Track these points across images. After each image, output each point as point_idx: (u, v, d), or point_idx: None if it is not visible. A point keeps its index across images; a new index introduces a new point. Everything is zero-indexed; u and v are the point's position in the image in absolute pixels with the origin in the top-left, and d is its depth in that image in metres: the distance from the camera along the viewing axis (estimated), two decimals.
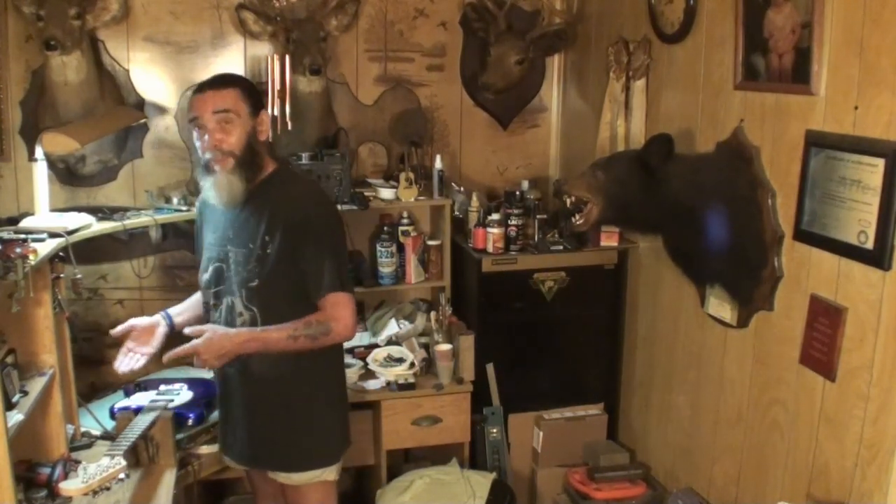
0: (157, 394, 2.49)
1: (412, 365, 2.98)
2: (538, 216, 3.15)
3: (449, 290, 3.21)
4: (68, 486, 1.94)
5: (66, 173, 3.01)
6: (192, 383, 2.64)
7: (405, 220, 3.23)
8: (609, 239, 3.06)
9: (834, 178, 1.95)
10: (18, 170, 2.91)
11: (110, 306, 3.11)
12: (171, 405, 2.39)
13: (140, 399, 2.47)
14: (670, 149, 2.31)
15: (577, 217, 2.42)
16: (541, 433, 3.10)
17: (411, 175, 3.12)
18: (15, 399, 1.96)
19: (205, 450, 2.53)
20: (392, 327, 3.21)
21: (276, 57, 2.93)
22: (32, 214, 2.55)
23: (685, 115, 2.58)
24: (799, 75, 2.04)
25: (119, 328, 2.24)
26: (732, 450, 2.44)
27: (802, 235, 2.08)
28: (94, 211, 2.71)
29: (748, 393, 2.35)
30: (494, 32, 3.25)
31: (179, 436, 2.41)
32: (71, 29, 2.67)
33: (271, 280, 2.10)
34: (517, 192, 3.21)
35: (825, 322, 2.00)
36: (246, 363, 2.15)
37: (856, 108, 1.87)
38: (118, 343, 2.24)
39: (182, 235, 3.00)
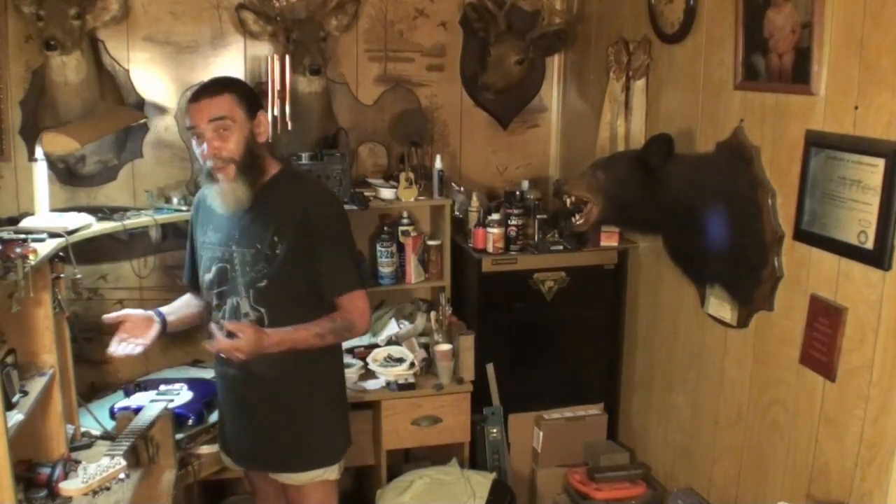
0: (157, 394, 2.49)
1: (412, 365, 2.98)
2: (538, 216, 3.15)
3: (449, 290, 3.21)
4: (68, 486, 1.94)
5: (66, 173, 3.01)
6: (192, 383, 2.64)
7: (405, 220, 3.23)
8: (609, 239, 3.06)
9: (834, 178, 1.95)
10: (18, 170, 2.91)
11: (110, 306, 3.09)
12: (171, 405, 2.38)
13: (140, 399, 2.47)
14: (670, 149, 2.31)
15: (577, 217, 2.43)
16: (541, 433, 3.10)
17: (411, 175, 3.12)
18: (15, 399, 1.96)
19: (205, 450, 2.53)
20: (392, 327, 3.22)
21: (276, 57, 2.93)
22: (32, 214, 2.55)
23: (685, 115, 2.58)
24: (799, 75, 2.04)
25: (112, 315, 2.19)
26: (732, 450, 2.44)
27: (802, 235, 2.08)
28: (94, 211, 2.72)
29: (748, 393, 2.35)
30: (494, 32, 3.25)
31: (179, 436, 2.41)
32: (71, 29, 2.67)
33: (280, 280, 2.10)
34: (517, 192, 3.21)
35: (825, 322, 2.00)
36: (247, 364, 2.15)
37: (856, 108, 1.87)
38: (112, 332, 2.22)
39: (182, 235, 2.98)
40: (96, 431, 2.47)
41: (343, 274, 2.15)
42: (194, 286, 2.34)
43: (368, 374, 3.00)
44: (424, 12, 3.31)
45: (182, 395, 2.53)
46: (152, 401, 2.39)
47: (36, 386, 2.08)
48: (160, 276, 3.12)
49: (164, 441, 2.27)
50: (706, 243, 2.29)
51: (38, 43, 2.72)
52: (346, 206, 2.97)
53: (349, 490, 3.18)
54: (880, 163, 1.79)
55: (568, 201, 2.44)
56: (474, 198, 3.23)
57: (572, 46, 3.38)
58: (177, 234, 3.03)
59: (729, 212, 2.25)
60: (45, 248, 2.17)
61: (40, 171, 2.58)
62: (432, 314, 3.10)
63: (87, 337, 3.00)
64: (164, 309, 2.32)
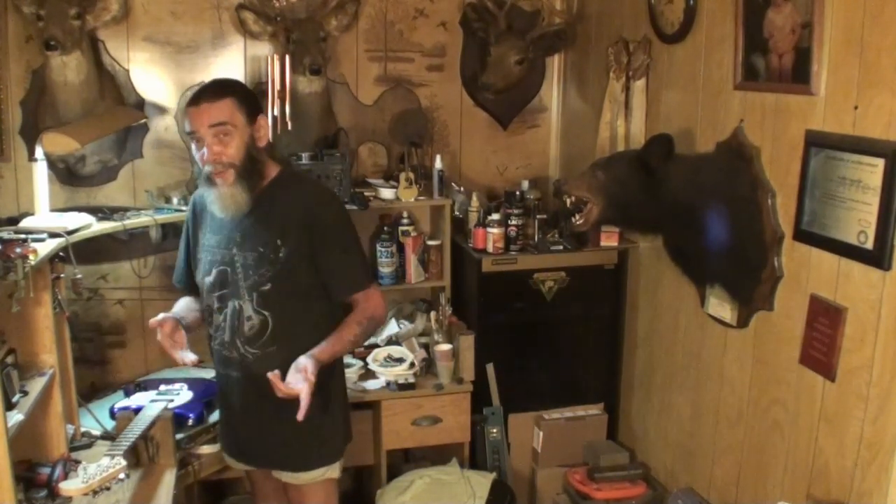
0: (157, 394, 2.49)
1: (412, 365, 2.98)
2: (538, 216, 3.15)
3: (449, 290, 3.21)
4: (68, 486, 1.94)
5: (66, 173, 3.01)
6: (192, 383, 2.64)
7: (405, 220, 3.23)
8: (609, 239, 3.06)
9: (834, 178, 1.95)
10: (18, 170, 2.91)
11: (110, 306, 3.11)
12: (171, 405, 2.38)
13: (140, 399, 2.47)
14: (670, 149, 2.31)
15: (577, 217, 2.43)
16: (541, 433, 3.10)
17: (411, 175, 3.12)
18: (15, 399, 1.96)
19: (205, 450, 2.53)
20: (392, 327, 3.22)
21: (276, 57, 2.93)
22: (32, 214, 2.55)
23: (685, 115, 2.58)
24: (799, 75, 2.04)
25: (157, 318, 2.14)
26: (732, 450, 2.44)
27: (802, 235, 2.08)
28: (94, 211, 2.72)
29: (748, 393, 2.35)
30: (494, 32, 3.25)
31: (179, 436, 2.41)
32: (71, 29, 2.67)
33: (285, 283, 2.10)
34: (517, 192, 3.21)
35: (825, 322, 2.00)
36: (248, 365, 2.15)
37: (856, 108, 1.87)
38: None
39: None
40: (96, 431, 2.48)
41: (354, 272, 2.16)
42: (186, 288, 2.33)
43: (368, 374, 3.00)
44: (424, 12, 3.31)
45: (182, 395, 2.53)
46: (152, 401, 2.38)
47: (36, 386, 2.08)
48: (160, 276, 3.12)
49: (164, 441, 2.27)
50: (706, 243, 2.29)
51: (39, 43, 2.72)
52: (346, 206, 2.98)
53: (349, 490, 3.18)
54: (880, 163, 1.79)
55: (568, 201, 2.44)
56: (474, 198, 3.23)
57: (572, 46, 3.38)
58: (177, 234, 3.01)
59: (729, 212, 2.24)
60: (45, 248, 2.17)
61: (40, 171, 2.58)
62: (432, 314, 3.10)
63: (87, 337, 3.02)
64: (176, 312, 2.25)
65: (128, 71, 3.02)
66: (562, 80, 3.52)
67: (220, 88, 2.07)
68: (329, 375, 2.28)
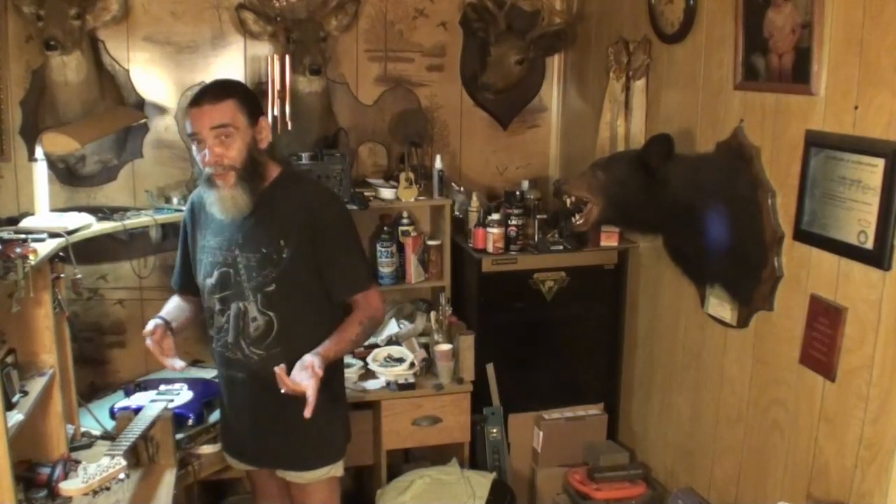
0: (157, 394, 2.49)
1: (412, 365, 2.98)
2: (538, 216, 3.15)
3: (449, 290, 3.21)
4: (68, 486, 1.94)
5: (66, 173, 3.01)
6: (192, 383, 2.64)
7: (405, 220, 3.23)
8: (609, 239, 3.06)
9: (834, 177, 1.95)
10: (18, 170, 2.91)
11: (110, 306, 3.11)
12: (171, 405, 2.38)
13: (140, 399, 2.47)
14: (670, 149, 2.31)
15: (577, 217, 2.43)
16: (541, 433, 3.10)
17: (411, 175, 3.12)
18: (15, 399, 1.96)
19: (205, 450, 2.53)
20: (392, 327, 3.22)
21: (276, 57, 2.93)
22: (32, 214, 2.55)
23: (685, 115, 2.58)
24: (799, 75, 2.04)
25: (149, 328, 2.16)
26: (732, 450, 2.44)
27: (802, 235, 2.08)
28: (94, 211, 2.72)
29: (748, 393, 2.35)
30: (494, 32, 3.25)
31: (179, 436, 2.41)
32: (71, 29, 2.67)
33: (289, 283, 2.10)
34: (517, 192, 3.21)
35: (825, 322, 2.00)
36: (252, 366, 2.15)
37: (856, 107, 1.87)
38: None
39: None
40: (96, 431, 2.48)
41: (355, 273, 2.17)
42: (184, 290, 2.33)
43: (368, 373, 3.00)
44: (424, 12, 3.31)
45: (182, 395, 2.53)
46: (152, 401, 2.39)
47: (36, 386, 2.08)
48: (160, 276, 3.12)
49: (164, 441, 2.27)
50: (706, 243, 2.29)
51: (38, 43, 2.72)
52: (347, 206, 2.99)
53: (349, 490, 3.17)
54: (880, 163, 1.79)
55: (568, 201, 2.44)
56: (474, 198, 3.23)
57: (572, 46, 3.38)
58: (177, 234, 3.02)
59: (729, 212, 2.24)
60: (45, 248, 2.17)
61: (40, 171, 2.58)
62: (432, 314, 3.10)
63: (87, 337, 3.02)
64: (165, 315, 2.27)
65: (128, 71, 3.02)
66: (562, 80, 3.52)
67: (221, 90, 2.06)
68: (332, 374, 2.28)
